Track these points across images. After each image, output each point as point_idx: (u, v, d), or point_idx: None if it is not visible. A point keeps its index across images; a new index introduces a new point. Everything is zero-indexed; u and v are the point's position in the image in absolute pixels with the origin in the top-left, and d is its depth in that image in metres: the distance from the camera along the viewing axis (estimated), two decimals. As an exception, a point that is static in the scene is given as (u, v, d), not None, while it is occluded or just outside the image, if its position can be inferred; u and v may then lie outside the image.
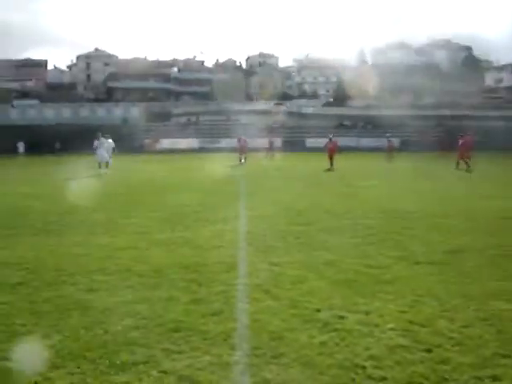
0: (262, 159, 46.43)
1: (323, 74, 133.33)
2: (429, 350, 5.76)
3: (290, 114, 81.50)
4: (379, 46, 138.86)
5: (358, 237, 11.73)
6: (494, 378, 5.18)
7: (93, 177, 29.02)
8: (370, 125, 75.20)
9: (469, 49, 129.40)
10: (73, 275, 8.64)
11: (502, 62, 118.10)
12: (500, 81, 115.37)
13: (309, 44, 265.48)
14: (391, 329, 6.34)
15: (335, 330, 6.28)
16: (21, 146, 60.52)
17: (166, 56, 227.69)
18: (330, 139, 36.72)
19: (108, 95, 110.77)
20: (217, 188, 22.45)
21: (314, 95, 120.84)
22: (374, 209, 15.97)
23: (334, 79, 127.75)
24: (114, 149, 34.56)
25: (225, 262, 9.44)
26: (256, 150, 49.39)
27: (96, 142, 32.39)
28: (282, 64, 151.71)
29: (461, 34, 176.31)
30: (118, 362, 5.45)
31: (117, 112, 78.70)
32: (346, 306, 7.08)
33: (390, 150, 45.08)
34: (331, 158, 34.87)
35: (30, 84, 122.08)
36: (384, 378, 5.16)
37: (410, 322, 6.54)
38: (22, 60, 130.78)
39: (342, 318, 6.67)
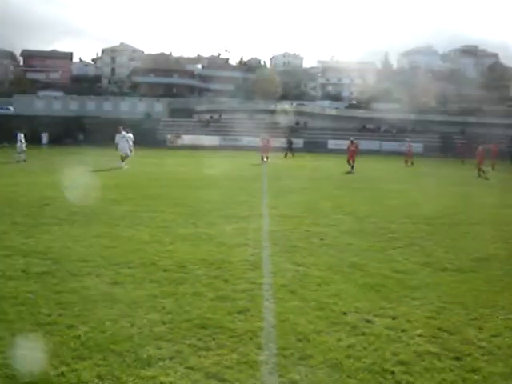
0: (282, 159, 46.30)
1: (347, 76, 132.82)
2: (458, 358, 5.68)
3: (313, 115, 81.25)
4: (405, 49, 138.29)
5: (382, 241, 11.63)
6: (526, 389, 5.10)
7: (114, 169, 29.10)
8: (394, 129, 74.74)
9: (495, 56, 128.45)
10: (98, 267, 8.64)
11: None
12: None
13: (334, 46, 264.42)
14: (419, 335, 6.26)
15: (363, 333, 6.22)
16: (45, 137, 60.86)
17: (190, 53, 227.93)
18: (352, 141, 36.57)
19: (132, 89, 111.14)
20: (239, 186, 22.38)
21: (338, 97, 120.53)
22: (398, 213, 15.82)
23: (358, 81, 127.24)
24: (133, 142, 34.61)
25: (249, 260, 9.39)
26: (276, 149, 49.17)
27: (118, 136, 32.44)
28: (306, 65, 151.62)
29: (488, 40, 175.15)
30: (144, 356, 5.43)
31: (140, 106, 79.14)
32: (373, 310, 7.00)
33: (409, 154, 44.74)
34: (353, 161, 34.64)
35: (55, 76, 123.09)
36: (413, 385, 5.10)
37: (439, 329, 6.46)
38: (49, 51, 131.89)
39: (369, 321, 6.60)
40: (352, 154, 35.07)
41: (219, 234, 11.75)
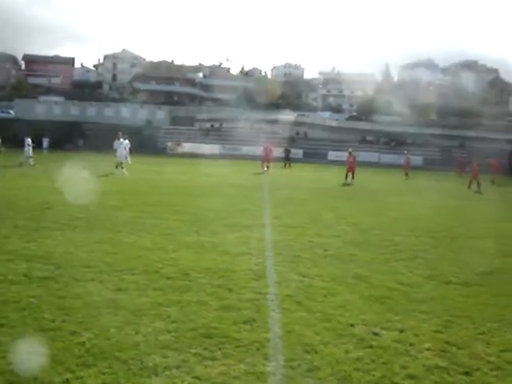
0: (281, 168, 46.24)
1: (348, 87, 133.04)
2: (467, 373, 5.63)
3: (314, 125, 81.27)
4: (405, 62, 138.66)
5: (386, 253, 11.57)
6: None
7: (114, 175, 29.06)
8: (394, 141, 74.78)
9: (496, 71, 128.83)
10: (101, 273, 8.57)
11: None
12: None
13: (335, 57, 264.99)
14: (427, 349, 6.20)
15: (371, 346, 6.15)
16: (45, 142, 60.78)
17: (192, 61, 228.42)
18: (350, 153, 36.21)
19: (133, 96, 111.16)
20: (240, 194, 22.35)
21: (339, 108, 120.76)
22: (400, 226, 15.78)
23: (358, 93, 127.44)
24: (130, 149, 34.61)
25: (253, 269, 9.33)
26: (274, 159, 49.07)
27: (116, 142, 32.39)
28: (307, 76, 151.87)
29: (488, 56, 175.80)
30: (150, 365, 5.35)
31: (141, 113, 78.99)
32: (380, 323, 6.93)
33: (407, 167, 44.52)
34: (351, 172, 34.34)
35: (56, 81, 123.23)
36: (424, 400, 5.03)
37: (447, 343, 6.40)
38: (50, 57, 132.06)
39: (376, 334, 6.53)
40: (351, 166, 34.83)
41: (222, 242, 11.68)
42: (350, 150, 37.60)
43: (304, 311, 7.19)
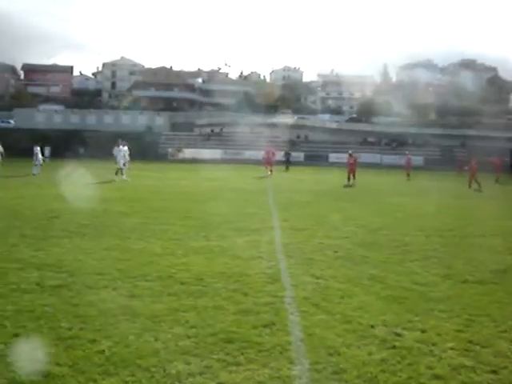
0: (283, 172, 46.18)
1: (347, 89, 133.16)
2: (495, 372, 5.54)
3: (314, 128, 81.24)
4: (404, 63, 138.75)
5: (398, 253, 11.48)
6: None
7: (116, 182, 29.06)
8: (395, 142, 74.71)
9: (494, 70, 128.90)
10: (114, 280, 8.48)
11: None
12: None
13: (333, 59, 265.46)
14: (451, 348, 6.10)
15: (394, 347, 6.05)
16: (46, 150, 60.70)
17: (191, 66, 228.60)
18: (350, 154, 36.03)
19: (132, 103, 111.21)
20: (245, 198, 22.26)
21: (338, 111, 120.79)
22: (409, 226, 15.71)
23: (357, 95, 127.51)
24: (130, 155, 34.63)
25: (266, 272, 9.23)
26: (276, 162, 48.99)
27: (115, 148, 32.38)
28: (306, 78, 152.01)
29: (487, 54, 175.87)
30: (173, 372, 5.25)
31: (141, 120, 78.99)
32: (401, 323, 6.84)
33: (408, 167, 44.31)
34: (352, 174, 34.08)
35: (55, 89, 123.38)
36: (453, 400, 4.94)
37: (470, 342, 6.30)
38: (49, 65, 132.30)
39: (398, 335, 6.43)
40: (351, 167, 34.58)
41: (232, 246, 11.59)
42: (350, 151, 37.39)
43: (323, 313, 7.09)
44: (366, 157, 61.76)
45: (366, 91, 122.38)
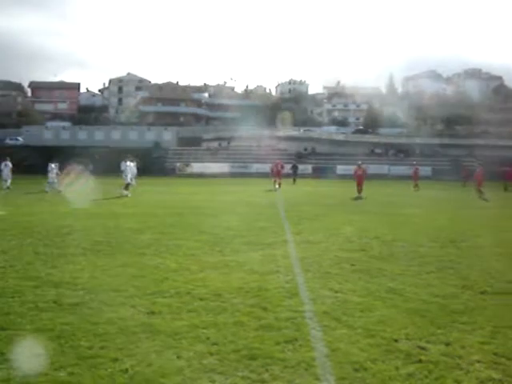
0: (291, 185, 46.15)
1: (353, 101, 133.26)
2: (524, 386, 5.43)
3: (321, 140, 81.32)
4: (409, 74, 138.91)
5: (414, 265, 11.39)
6: None
7: (127, 197, 29.13)
8: (402, 153, 74.63)
9: (500, 79, 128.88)
10: (131, 297, 8.41)
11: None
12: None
13: (339, 71, 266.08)
14: (478, 361, 6.01)
15: (419, 361, 5.96)
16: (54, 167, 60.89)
17: (197, 81, 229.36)
18: (359, 166, 35.82)
19: (139, 119, 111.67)
20: (256, 212, 22.22)
21: (344, 122, 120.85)
22: (423, 237, 15.60)
23: (364, 107, 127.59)
24: (138, 170, 34.81)
25: (285, 287, 9.16)
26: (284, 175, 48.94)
27: (123, 163, 32.44)
28: (311, 91, 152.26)
29: (491, 64, 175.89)
30: (200, 390, 5.18)
31: (149, 136, 79.23)
32: (424, 337, 6.75)
33: (415, 178, 44.20)
34: (360, 186, 33.87)
35: (63, 106, 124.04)
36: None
37: (495, 354, 6.21)
38: (56, 82, 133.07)
39: (422, 348, 6.34)
40: (359, 179, 34.34)
41: (248, 261, 11.51)
42: (359, 162, 37.22)
43: (345, 328, 7.01)
44: (373, 168, 61.76)
45: (372, 102, 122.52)
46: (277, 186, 40.87)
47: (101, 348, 6.24)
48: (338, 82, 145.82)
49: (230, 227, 16.90)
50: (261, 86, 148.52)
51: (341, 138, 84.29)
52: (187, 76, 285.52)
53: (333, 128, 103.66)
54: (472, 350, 6.31)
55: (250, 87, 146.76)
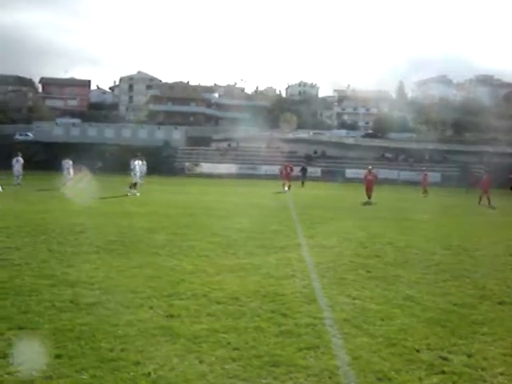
0: (299, 188, 46.10)
1: (363, 105, 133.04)
2: (549, 399, 5.38)
3: (330, 143, 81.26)
4: (419, 79, 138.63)
5: (430, 273, 11.32)
6: None
7: (136, 196, 29.19)
8: (412, 158, 74.42)
9: (511, 86, 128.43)
10: (149, 298, 8.39)
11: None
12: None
13: (349, 75, 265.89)
14: (501, 373, 5.96)
15: (443, 372, 5.91)
16: (66, 164, 61.00)
17: (207, 81, 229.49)
18: (370, 170, 35.48)
19: (149, 117, 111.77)
20: (267, 214, 22.20)
21: (354, 126, 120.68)
22: (435, 244, 15.53)
23: (373, 111, 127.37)
24: (147, 170, 34.88)
25: (301, 292, 9.12)
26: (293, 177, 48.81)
27: (132, 162, 32.47)
28: (321, 94, 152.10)
29: (503, 70, 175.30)
30: (225, 397, 5.14)
31: (158, 134, 79.27)
32: (446, 347, 6.69)
33: (424, 184, 44.11)
34: (370, 190, 33.59)
35: (73, 103, 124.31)
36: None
37: (519, 367, 6.14)
38: (67, 79, 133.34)
39: (445, 359, 6.29)
40: (369, 184, 34.06)
41: (262, 264, 11.46)
42: (370, 167, 36.95)
43: (366, 336, 6.96)
44: (383, 172, 61.56)
45: (382, 107, 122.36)
46: (286, 188, 40.82)
47: (121, 350, 6.21)
48: (348, 86, 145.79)
49: (243, 229, 16.87)
50: (270, 88, 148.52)
51: (351, 141, 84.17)
52: (197, 76, 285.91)
53: (342, 131, 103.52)
54: (495, 362, 6.25)
55: (260, 88, 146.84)
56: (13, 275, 9.70)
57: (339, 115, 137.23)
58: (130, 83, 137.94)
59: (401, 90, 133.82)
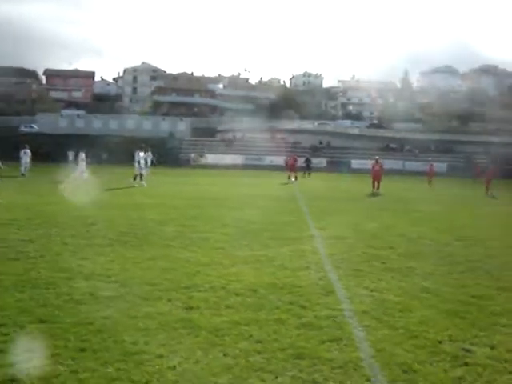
0: (303, 178, 46.09)
1: (368, 95, 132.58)
2: None
3: (335, 134, 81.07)
4: (425, 69, 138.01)
5: (445, 264, 11.30)
6: None
7: (144, 187, 29.18)
8: (417, 149, 74.17)
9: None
10: (167, 291, 8.38)
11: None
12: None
13: (354, 65, 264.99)
14: (525, 365, 5.93)
15: (466, 363, 5.90)
16: (71, 155, 60.99)
17: (211, 72, 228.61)
18: (377, 160, 35.21)
19: (153, 109, 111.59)
20: (277, 205, 22.22)
21: (359, 116, 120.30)
22: (447, 235, 15.52)
23: (378, 101, 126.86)
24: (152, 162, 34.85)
25: (318, 284, 9.11)
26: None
27: (136, 154, 32.37)
28: (326, 84, 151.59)
29: (508, 60, 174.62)
30: (252, 390, 5.13)
31: (163, 126, 79.13)
32: (467, 339, 6.68)
33: (430, 174, 44.07)
34: (377, 181, 33.31)
35: (77, 94, 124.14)
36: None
37: (542, 359, 6.12)
38: (71, 70, 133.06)
39: (468, 351, 6.28)
40: (376, 174, 33.73)
41: (277, 256, 11.46)
42: (376, 157, 36.68)
43: (387, 328, 6.95)
44: (388, 163, 61.34)
45: (387, 97, 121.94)
46: (293, 179, 40.82)
47: (145, 343, 6.20)
48: (353, 76, 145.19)
49: (253, 221, 16.84)
50: (275, 78, 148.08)
51: (356, 132, 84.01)
52: (202, 67, 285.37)
53: (347, 122, 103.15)
54: (518, 354, 6.24)
55: (264, 79, 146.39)
56: (28, 268, 9.70)
57: (344, 105, 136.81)
58: (134, 74, 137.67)
59: (406, 80, 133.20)
